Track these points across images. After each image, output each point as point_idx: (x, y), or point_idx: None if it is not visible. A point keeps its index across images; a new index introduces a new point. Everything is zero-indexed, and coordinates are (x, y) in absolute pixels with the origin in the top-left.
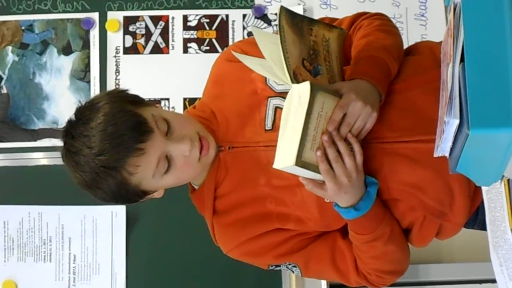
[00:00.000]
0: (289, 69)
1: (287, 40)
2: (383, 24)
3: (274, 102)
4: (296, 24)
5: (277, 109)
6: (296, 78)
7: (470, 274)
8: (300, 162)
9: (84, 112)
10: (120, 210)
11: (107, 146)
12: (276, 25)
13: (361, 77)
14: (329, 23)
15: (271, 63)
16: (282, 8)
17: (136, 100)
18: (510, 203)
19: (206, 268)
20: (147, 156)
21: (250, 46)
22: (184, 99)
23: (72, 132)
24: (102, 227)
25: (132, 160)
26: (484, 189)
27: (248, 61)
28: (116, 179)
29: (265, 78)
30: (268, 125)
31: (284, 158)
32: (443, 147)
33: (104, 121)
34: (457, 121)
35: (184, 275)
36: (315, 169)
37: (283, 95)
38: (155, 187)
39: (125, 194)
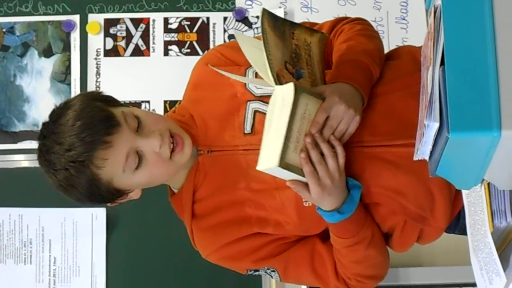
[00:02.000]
0: (273, 71)
1: (270, 42)
2: (364, 29)
3: (253, 105)
4: (278, 27)
5: (256, 113)
6: (279, 81)
7: (451, 278)
8: (283, 163)
9: (56, 112)
10: (100, 213)
11: (75, 140)
12: (257, 28)
13: (344, 80)
14: (310, 28)
15: (254, 67)
16: (264, 10)
17: (108, 99)
18: (490, 207)
19: (187, 271)
20: (114, 149)
21: (231, 51)
22: (165, 102)
23: (44, 132)
24: (82, 230)
25: (99, 153)
26: (464, 192)
27: (224, 72)
28: (86, 175)
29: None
30: (247, 128)
31: (268, 160)
32: (423, 150)
33: (73, 117)
34: (437, 125)
35: (164, 278)
36: (298, 171)
37: (262, 98)
38: (128, 184)
39: (97, 191)
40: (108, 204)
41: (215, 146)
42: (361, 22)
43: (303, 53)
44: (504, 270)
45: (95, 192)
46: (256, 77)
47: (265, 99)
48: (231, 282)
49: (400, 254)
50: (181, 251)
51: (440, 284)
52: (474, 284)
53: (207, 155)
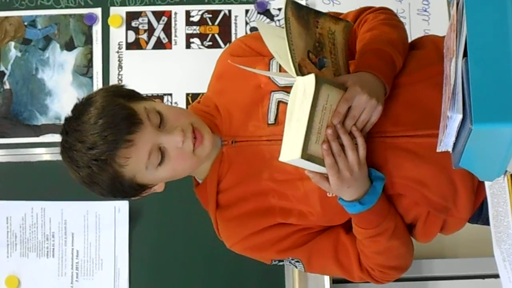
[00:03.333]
0: (294, 61)
1: (292, 32)
2: (388, 18)
3: (277, 96)
4: (302, 16)
5: (280, 103)
6: (301, 71)
7: (473, 269)
8: (306, 155)
9: (78, 108)
10: (123, 205)
11: (97, 139)
12: (279, 20)
13: (367, 70)
14: (335, 16)
15: (276, 56)
16: (288, 0)
17: (130, 94)
18: None
19: (210, 263)
20: (136, 148)
21: (255, 41)
22: (187, 95)
23: (66, 128)
24: (105, 223)
25: (121, 152)
26: (487, 184)
27: (246, 67)
28: (109, 173)
29: None
30: (271, 119)
31: (290, 151)
32: (446, 142)
33: (95, 114)
34: (460, 116)
35: (187, 270)
36: (320, 162)
37: (286, 89)
38: (151, 180)
39: (120, 187)
40: (132, 198)
41: (239, 137)
42: (385, 11)
43: (327, 42)
44: None
45: (118, 188)
46: (280, 67)
47: (288, 89)
48: (254, 272)
49: (423, 245)
50: (204, 243)
51: (463, 276)
52: (497, 276)
53: (231, 146)
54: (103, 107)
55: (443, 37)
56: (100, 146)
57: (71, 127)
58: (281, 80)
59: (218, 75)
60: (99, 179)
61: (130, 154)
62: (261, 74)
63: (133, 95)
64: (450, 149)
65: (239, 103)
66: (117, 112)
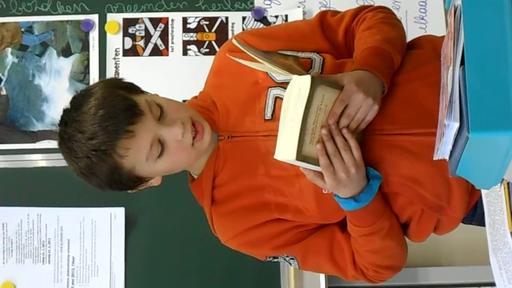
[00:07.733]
0: (282, 68)
1: (258, 53)
2: (387, 17)
3: (274, 92)
4: (254, 54)
5: (277, 99)
6: (292, 72)
7: (469, 277)
8: (300, 156)
9: (77, 99)
10: (119, 212)
11: (98, 129)
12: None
13: (365, 67)
14: (280, 53)
15: (269, 66)
16: (236, 39)
17: (130, 87)
18: (509, 207)
19: (205, 269)
20: (137, 138)
21: (253, 37)
22: (184, 101)
23: (65, 119)
24: (101, 229)
25: (122, 143)
26: (484, 192)
27: (246, 62)
28: (108, 163)
29: None
30: (268, 115)
31: (285, 151)
32: (443, 150)
33: (95, 105)
34: (457, 124)
35: (183, 276)
36: (316, 163)
37: (283, 85)
38: (149, 172)
39: (118, 179)
40: (129, 191)
41: (236, 132)
42: (383, 10)
43: (295, 66)
44: None
45: (116, 180)
46: None
47: (286, 85)
48: (249, 273)
49: (419, 253)
50: (199, 249)
51: (459, 284)
52: (493, 284)
53: (228, 141)
54: (104, 97)
55: (442, 37)
56: (100, 136)
57: (71, 118)
58: (279, 76)
59: (215, 71)
60: (98, 170)
61: (131, 145)
62: (259, 69)
63: (133, 88)
64: (447, 157)
65: (236, 99)
66: (118, 103)
